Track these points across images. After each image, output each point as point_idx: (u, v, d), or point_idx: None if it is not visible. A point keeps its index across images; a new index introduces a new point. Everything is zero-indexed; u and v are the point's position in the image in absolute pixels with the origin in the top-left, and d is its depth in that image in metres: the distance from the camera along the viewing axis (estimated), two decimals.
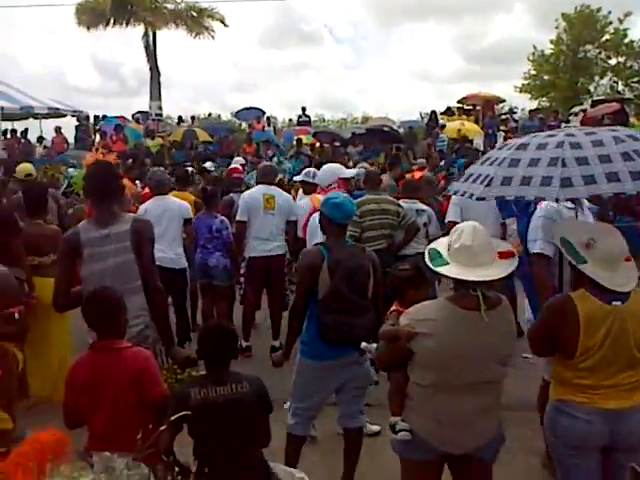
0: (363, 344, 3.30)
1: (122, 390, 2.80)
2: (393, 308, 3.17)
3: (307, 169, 6.76)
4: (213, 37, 24.29)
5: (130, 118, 20.59)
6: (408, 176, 8.97)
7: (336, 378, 3.68)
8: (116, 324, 2.93)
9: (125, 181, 5.07)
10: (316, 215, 4.54)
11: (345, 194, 6.31)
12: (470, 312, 2.61)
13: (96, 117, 19.72)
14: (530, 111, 21.14)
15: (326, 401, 3.86)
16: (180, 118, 22.52)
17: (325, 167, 6.19)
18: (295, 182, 7.91)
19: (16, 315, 3.10)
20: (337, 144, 17.54)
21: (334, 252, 3.56)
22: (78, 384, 2.86)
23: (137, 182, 9.30)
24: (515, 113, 22.58)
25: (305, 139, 17.27)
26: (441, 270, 2.64)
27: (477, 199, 3.03)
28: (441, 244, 2.77)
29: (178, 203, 6.09)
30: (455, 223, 4.43)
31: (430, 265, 2.70)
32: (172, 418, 2.58)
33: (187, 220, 6.03)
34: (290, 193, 7.19)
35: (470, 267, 2.59)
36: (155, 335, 3.43)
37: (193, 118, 22.85)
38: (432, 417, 2.71)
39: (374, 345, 3.15)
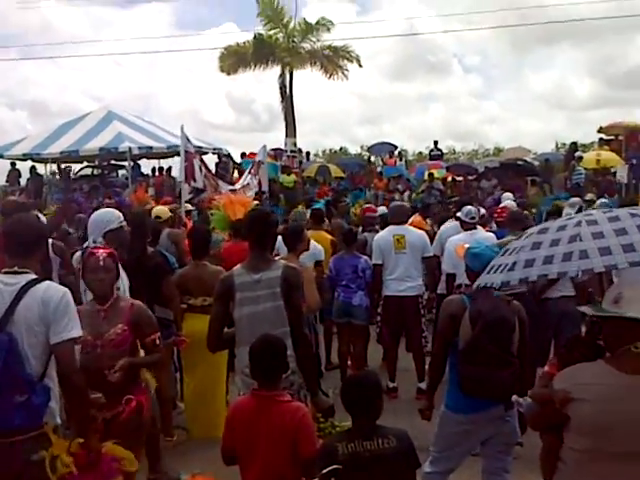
0: (514, 397, 3.19)
1: (277, 443, 2.83)
2: (546, 369, 3.02)
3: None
4: (347, 77, 24.03)
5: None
6: None
7: (480, 432, 3.58)
8: (278, 373, 2.96)
9: None
10: None
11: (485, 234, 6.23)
12: (633, 377, 2.41)
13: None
14: None
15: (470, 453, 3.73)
16: (308, 154, 22.88)
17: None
18: None
19: (157, 341, 3.52)
20: (471, 177, 17.11)
21: (477, 302, 3.50)
22: (236, 426, 2.91)
23: None
24: None
25: (437, 173, 17.03)
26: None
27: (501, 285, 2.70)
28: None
29: (319, 248, 6.19)
30: None
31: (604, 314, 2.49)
32: (323, 472, 2.58)
33: (319, 261, 6.15)
34: None
35: None
36: (300, 381, 3.46)
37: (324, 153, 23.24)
38: None
39: (528, 400, 2.99)
